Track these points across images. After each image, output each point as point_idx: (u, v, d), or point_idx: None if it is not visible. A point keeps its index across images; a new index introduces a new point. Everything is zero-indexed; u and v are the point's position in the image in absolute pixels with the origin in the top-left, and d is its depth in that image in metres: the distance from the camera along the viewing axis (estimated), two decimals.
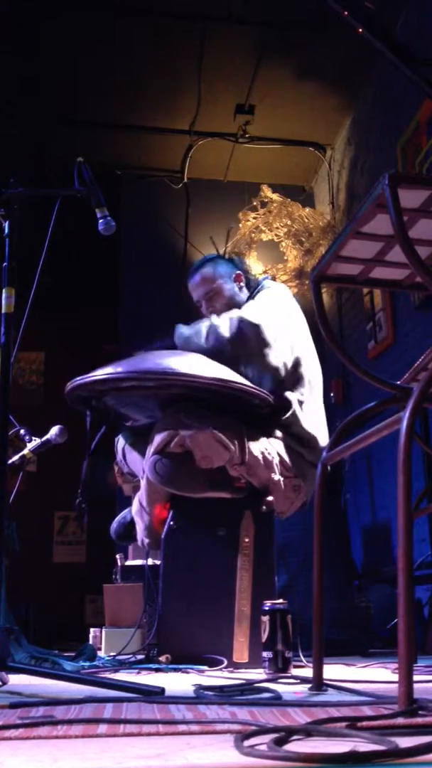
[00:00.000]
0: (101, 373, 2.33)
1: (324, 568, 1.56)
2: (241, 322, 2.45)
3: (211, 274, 2.75)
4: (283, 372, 2.49)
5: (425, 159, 3.94)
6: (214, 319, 2.52)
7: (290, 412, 2.48)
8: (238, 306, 2.69)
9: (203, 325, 2.51)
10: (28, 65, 4.66)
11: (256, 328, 2.44)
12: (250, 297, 2.72)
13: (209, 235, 5.44)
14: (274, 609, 1.93)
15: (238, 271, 2.79)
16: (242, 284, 2.78)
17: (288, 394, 2.50)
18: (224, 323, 2.47)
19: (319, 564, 1.56)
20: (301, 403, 2.52)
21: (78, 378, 2.36)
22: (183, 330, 2.55)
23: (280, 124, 5.34)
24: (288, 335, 2.54)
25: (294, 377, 2.55)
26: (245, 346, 2.44)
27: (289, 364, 2.52)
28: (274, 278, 4.39)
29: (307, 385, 2.57)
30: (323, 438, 2.53)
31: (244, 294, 2.76)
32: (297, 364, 2.56)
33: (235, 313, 2.50)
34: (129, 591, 2.94)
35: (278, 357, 2.48)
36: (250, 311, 2.51)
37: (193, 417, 2.31)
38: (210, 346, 2.45)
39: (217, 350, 2.43)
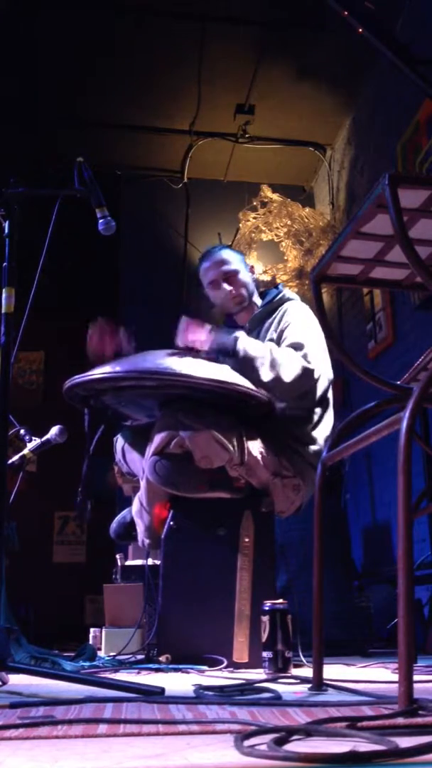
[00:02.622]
0: (99, 372, 2.33)
1: (324, 568, 1.56)
2: (305, 370, 2.42)
3: (230, 257, 2.76)
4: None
5: (425, 159, 3.94)
6: (278, 353, 2.44)
7: (313, 425, 2.52)
8: (249, 296, 2.73)
9: (267, 354, 2.42)
10: (28, 65, 4.66)
11: (313, 380, 2.46)
12: (269, 303, 2.71)
13: (216, 232, 5.43)
14: (274, 609, 1.93)
15: (252, 264, 2.88)
16: (254, 276, 2.82)
17: (318, 410, 2.54)
18: (289, 366, 2.41)
19: (319, 564, 1.56)
20: (313, 412, 2.56)
21: (76, 376, 2.36)
22: (250, 347, 2.43)
23: (280, 124, 5.34)
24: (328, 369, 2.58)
25: (324, 396, 2.59)
26: (299, 396, 2.46)
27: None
28: (274, 278, 4.40)
29: (329, 399, 2.62)
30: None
31: (252, 289, 2.78)
32: (328, 384, 2.60)
33: (297, 357, 2.44)
34: (129, 591, 2.94)
35: (318, 396, 2.54)
36: (310, 356, 2.46)
37: (192, 417, 2.31)
38: (266, 382, 2.39)
39: (269, 388, 2.40)
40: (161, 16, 4.41)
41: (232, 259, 2.76)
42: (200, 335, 2.45)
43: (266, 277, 4.92)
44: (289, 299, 2.71)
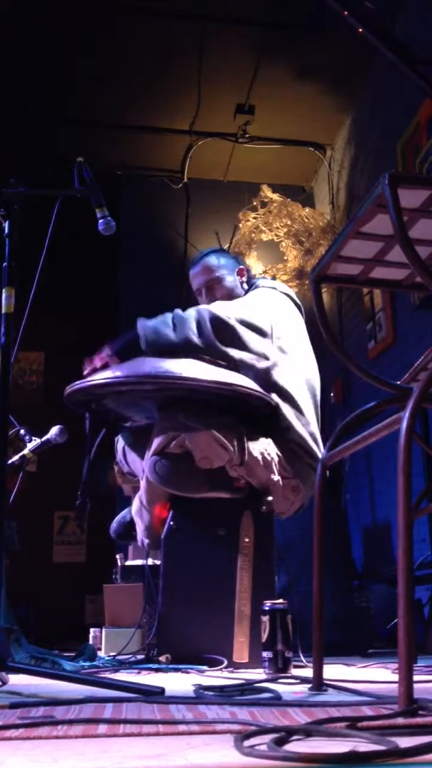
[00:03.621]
0: (100, 377, 2.33)
1: (324, 568, 1.56)
2: (212, 316, 2.38)
3: (214, 264, 2.74)
4: (262, 373, 2.44)
5: (425, 159, 3.94)
6: (178, 311, 2.46)
7: (281, 416, 2.43)
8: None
9: (168, 316, 2.44)
10: (28, 65, 4.66)
11: (224, 325, 2.38)
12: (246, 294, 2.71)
13: (213, 231, 5.44)
14: (274, 609, 1.93)
15: (242, 266, 2.80)
16: (244, 279, 2.77)
17: (275, 396, 2.44)
18: (190, 316, 2.41)
19: (319, 564, 1.56)
20: (295, 407, 2.47)
21: (77, 382, 2.36)
22: (147, 321, 2.45)
23: (280, 124, 5.34)
24: (272, 337, 2.48)
25: (281, 381, 2.48)
26: (214, 342, 2.37)
27: (270, 367, 2.46)
28: (274, 278, 4.39)
29: (299, 388, 2.51)
30: (316, 442, 2.50)
31: (243, 290, 2.75)
32: (285, 366, 2.50)
33: (203, 306, 2.46)
34: (129, 591, 2.94)
35: (255, 359, 2.43)
36: (225, 308, 2.44)
37: (192, 418, 2.31)
38: (179, 339, 2.38)
39: (185, 343, 2.36)
40: (161, 16, 4.41)
41: (216, 266, 2.73)
42: (99, 357, 2.45)
43: (266, 278, 4.92)
44: (255, 287, 2.69)
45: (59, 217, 1.99)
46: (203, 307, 2.47)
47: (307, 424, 2.49)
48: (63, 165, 2.18)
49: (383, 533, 4.27)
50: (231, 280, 2.74)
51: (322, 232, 5.09)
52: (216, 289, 2.71)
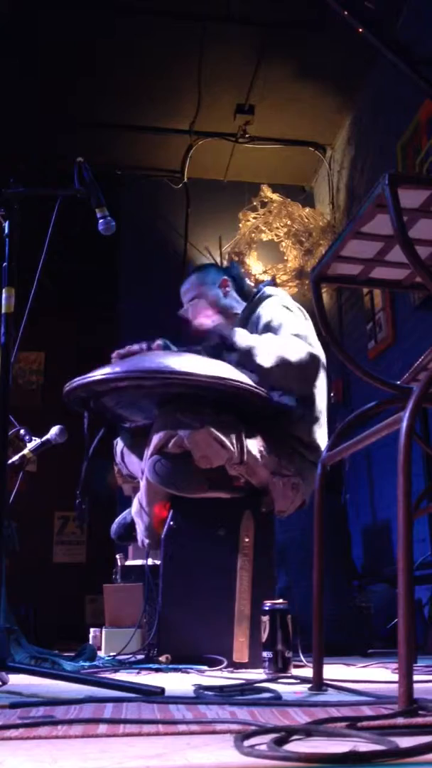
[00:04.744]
0: (99, 373, 2.33)
1: (324, 568, 1.56)
2: (311, 355, 2.45)
3: (196, 282, 2.83)
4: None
5: (425, 159, 3.94)
6: (280, 338, 2.47)
7: (301, 420, 2.49)
8: (223, 311, 2.74)
9: (267, 341, 2.46)
10: (28, 65, 4.66)
11: (316, 362, 2.48)
12: (251, 303, 2.71)
13: (213, 231, 5.45)
14: (274, 609, 1.93)
15: (224, 277, 2.85)
16: (228, 288, 2.81)
17: (301, 405, 2.50)
18: (293, 348, 2.44)
19: (319, 564, 1.56)
20: (311, 411, 2.53)
21: (76, 379, 2.36)
22: (249, 339, 2.48)
23: (280, 124, 5.34)
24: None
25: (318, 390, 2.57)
26: (306, 377, 2.47)
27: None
28: (274, 279, 4.39)
29: (319, 392, 2.58)
30: (324, 442, 2.53)
31: (232, 298, 2.79)
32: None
33: (301, 342, 2.47)
34: (129, 591, 2.94)
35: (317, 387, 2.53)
36: (303, 342, 2.48)
37: (190, 415, 2.31)
38: (271, 367, 2.41)
39: (275, 373, 2.41)
40: (161, 16, 4.41)
41: (194, 284, 2.82)
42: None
43: (266, 277, 4.92)
44: (267, 296, 2.70)
45: (59, 217, 1.99)
46: (301, 343, 2.48)
47: (315, 420, 2.54)
48: (63, 165, 2.17)
49: (383, 533, 4.27)
50: (213, 293, 2.79)
51: (322, 232, 5.09)
52: (196, 311, 2.78)
